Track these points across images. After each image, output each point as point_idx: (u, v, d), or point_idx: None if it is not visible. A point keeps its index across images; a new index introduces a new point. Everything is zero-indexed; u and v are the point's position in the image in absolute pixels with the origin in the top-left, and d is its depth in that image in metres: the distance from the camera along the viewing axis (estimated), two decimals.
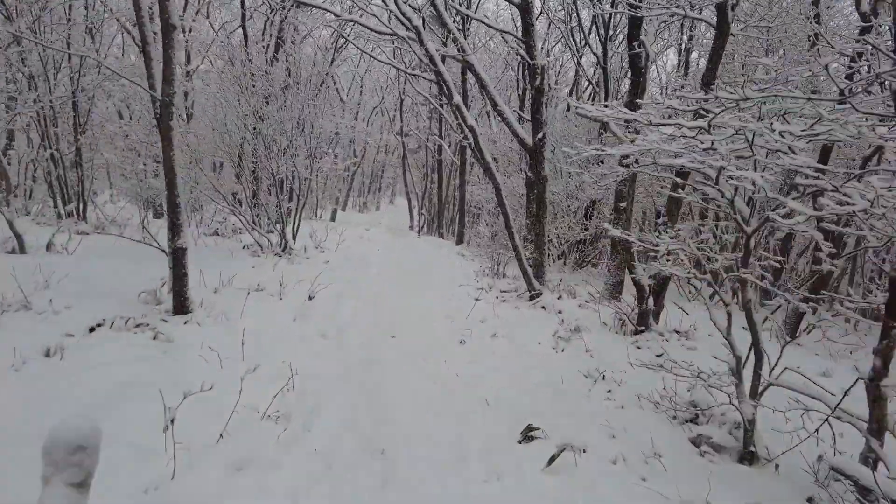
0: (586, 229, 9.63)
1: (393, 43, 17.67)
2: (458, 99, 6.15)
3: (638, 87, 6.29)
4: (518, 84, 15.25)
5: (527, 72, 6.69)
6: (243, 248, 8.49)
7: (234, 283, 6.25)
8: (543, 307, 6.19)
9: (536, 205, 6.41)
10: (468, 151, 15.09)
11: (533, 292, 6.27)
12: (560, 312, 6.11)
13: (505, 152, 12.20)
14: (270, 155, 7.45)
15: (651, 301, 5.57)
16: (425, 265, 9.40)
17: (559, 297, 6.65)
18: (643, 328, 5.58)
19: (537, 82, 6.22)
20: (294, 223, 8.56)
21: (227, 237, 9.21)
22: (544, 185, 6.33)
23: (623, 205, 5.58)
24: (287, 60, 9.84)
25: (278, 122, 7.41)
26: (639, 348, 5.18)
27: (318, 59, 13.52)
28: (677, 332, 5.79)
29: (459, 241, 14.82)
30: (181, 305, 4.87)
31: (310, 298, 5.93)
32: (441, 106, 15.96)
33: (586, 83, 15.14)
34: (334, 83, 19.51)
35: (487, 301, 6.35)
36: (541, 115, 6.31)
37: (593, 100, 15.51)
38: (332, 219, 20.00)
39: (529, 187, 8.12)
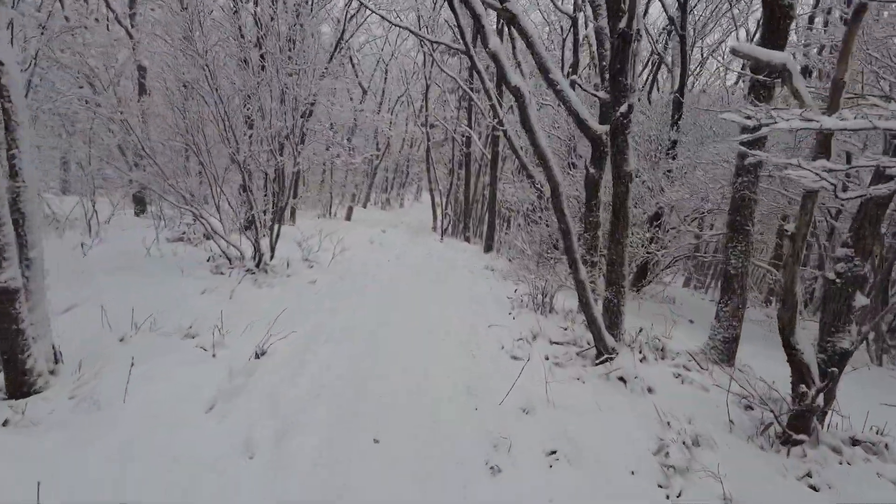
0: (663, 247, 7.23)
1: (418, 14, 15.53)
2: (495, 42, 3.92)
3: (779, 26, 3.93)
4: (563, 63, 12.86)
5: (606, 14, 4.38)
6: (208, 259, 6.53)
7: (159, 324, 4.26)
8: (622, 379, 3.93)
9: (614, 215, 4.12)
10: (501, 143, 12.80)
11: (606, 356, 4.00)
12: (651, 391, 3.83)
13: (547, 142, 9.85)
14: (232, 137, 5.41)
15: (816, 392, 3.23)
16: (445, 286, 7.22)
17: (642, 358, 4.37)
18: (803, 436, 3.25)
19: (622, 24, 3.94)
20: (273, 229, 6.53)
21: (195, 244, 7.28)
22: (628, 185, 4.04)
23: (788, 233, 3.14)
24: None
25: (244, 90, 5.37)
26: (814, 489, 2.87)
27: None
28: (855, 441, 3.43)
29: (488, 249, 12.59)
30: (17, 383, 2.87)
31: (257, 356, 3.85)
32: (471, 89, 13.70)
33: (646, 59, 12.58)
34: (350, 62, 17.56)
35: (533, 364, 4.13)
36: (625, 78, 4.03)
37: (653, 81, 12.97)
38: (348, 218, 18.08)
39: (590, 188, 5.84)
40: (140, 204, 10.81)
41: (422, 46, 15.75)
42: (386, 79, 21.74)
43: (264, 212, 6.37)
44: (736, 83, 15.95)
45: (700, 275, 16.03)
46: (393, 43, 20.56)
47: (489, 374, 3.94)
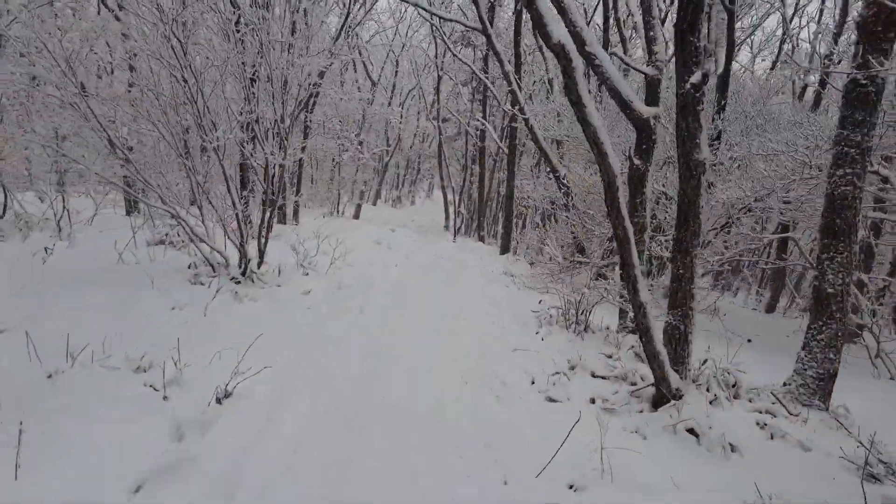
0: (722, 252, 6.21)
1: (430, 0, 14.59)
2: None
3: None
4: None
5: None
6: (189, 267, 5.72)
7: (107, 352, 3.43)
8: (692, 432, 2.99)
9: (681, 218, 3.18)
10: (519, 135, 11.85)
11: (672, 402, 3.06)
12: (734, 450, 2.89)
13: (568, 129, 8.76)
14: (206, 122, 4.57)
15: None
16: (456, 296, 6.32)
17: (713, 399, 3.42)
18: None
19: None
20: (261, 232, 5.69)
21: (178, 248, 6.47)
22: (700, 179, 3.10)
23: None
24: None
25: (225, 67, 4.52)
26: None
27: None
28: None
29: (504, 250, 11.65)
30: None
31: (219, 400, 2.99)
32: (487, 77, 12.74)
33: None
34: (359, 54, 16.72)
35: (575, 406, 3.21)
36: (697, 38, 3.09)
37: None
38: (356, 216, 17.26)
39: (635, 183, 4.88)
40: (132, 202, 10.08)
41: (433, 33, 14.82)
42: (396, 72, 20.85)
43: (262, 208, 5.54)
44: (772, 68, 14.74)
45: (729, 276, 14.90)
46: (403, 35, 19.68)
47: (519, 427, 3.03)
